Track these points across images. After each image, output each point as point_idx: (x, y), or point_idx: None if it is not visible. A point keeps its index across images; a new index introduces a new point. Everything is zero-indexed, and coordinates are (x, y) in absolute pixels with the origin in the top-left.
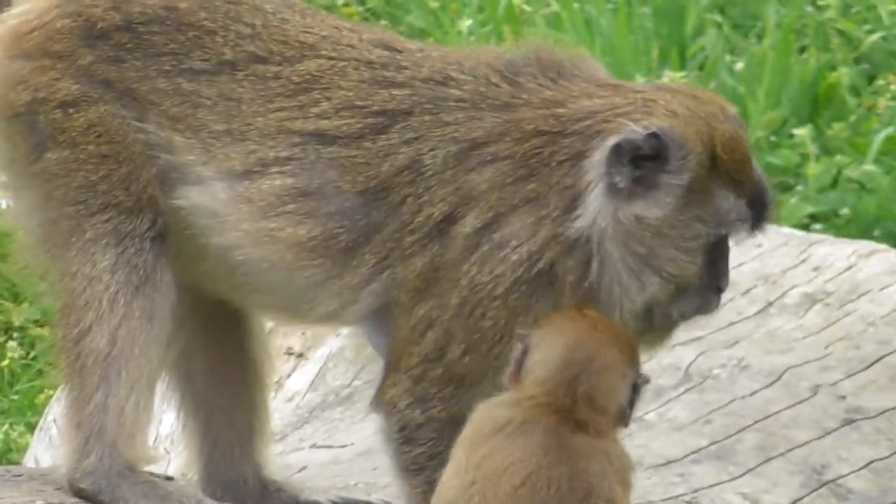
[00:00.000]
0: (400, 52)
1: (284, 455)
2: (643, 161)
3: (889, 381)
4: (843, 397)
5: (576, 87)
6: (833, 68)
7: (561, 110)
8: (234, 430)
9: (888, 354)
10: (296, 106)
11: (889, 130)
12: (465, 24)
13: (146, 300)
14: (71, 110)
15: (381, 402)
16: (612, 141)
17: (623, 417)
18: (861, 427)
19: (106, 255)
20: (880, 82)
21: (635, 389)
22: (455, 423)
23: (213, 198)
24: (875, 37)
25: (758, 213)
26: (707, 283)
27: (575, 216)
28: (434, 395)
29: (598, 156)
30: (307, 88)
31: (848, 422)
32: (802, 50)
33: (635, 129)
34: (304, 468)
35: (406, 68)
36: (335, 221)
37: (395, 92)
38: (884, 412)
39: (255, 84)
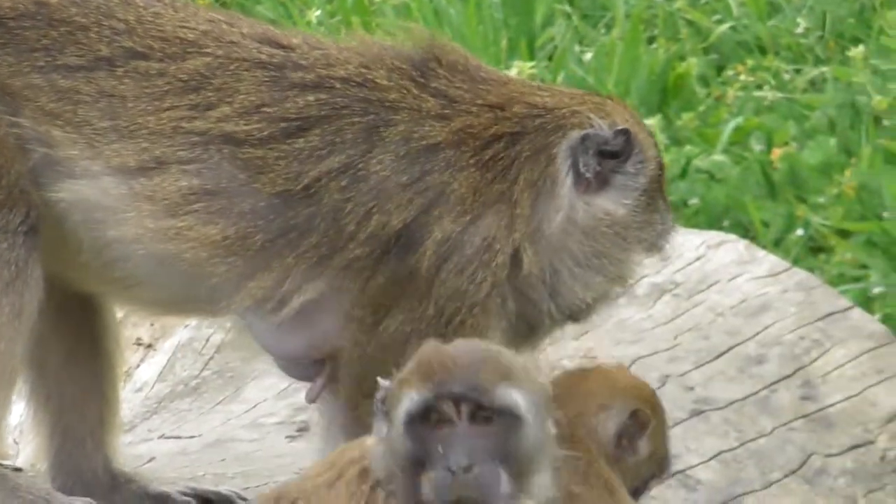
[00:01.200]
0: (288, 48)
1: (133, 446)
2: (606, 157)
3: (737, 372)
4: (692, 388)
5: (502, 88)
6: (682, 59)
7: (508, 112)
8: (85, 421)
9: (737, 345)
10: (188, 105)
11: (738, 121)
12: (314, 14)
13: (16, 296)
14: None
15: (346, 411)
16: (580, 131)
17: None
18: (709, 418)
19: None
20: (729, 73)
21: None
22: None
23: (105, 192)
24: (724, 27)
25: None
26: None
27: (543, 209)
28: None
29: (566, 144)
30: (197, 87)
31: (696, 412)
32: (652, 40)
33: (602, 125)
34: (152, 459)
35: (309, 68)
36: (248, 221)
37: (309, 96)
38: (732, 403)
39: (139, 81)
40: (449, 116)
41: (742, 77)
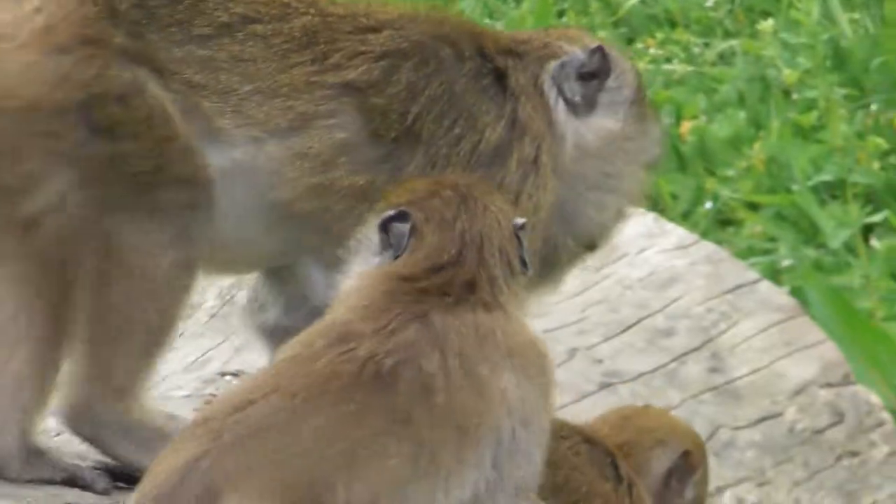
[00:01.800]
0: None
1: (42, 418)
2: (587, 79)
3: (646, 345)
4: (600, 361)
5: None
6: (592, 32)
7: (519, 48)
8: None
9: (645, 318)
10: (310, 60)
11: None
12: None
13: (183, 250)
14: (130, 101)
15: None
16: (556, 60)
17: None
18: (618, 390)
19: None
20: (639, 45)
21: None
22: None
23: (268, 156)
24: (633, 1)
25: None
26: None
27: (556, 132)
28: None
29: (547, 76)
30: (311, 42)
31: (605, 385)
32: (561, 14)
33: (575, 49)
34: (59, 434)
35: (385, 20)
36: (379, 167)
37: (391, 33)
38: (640, 375)
39: (260, 43)
40: (487, 56)
41: (651, 50)
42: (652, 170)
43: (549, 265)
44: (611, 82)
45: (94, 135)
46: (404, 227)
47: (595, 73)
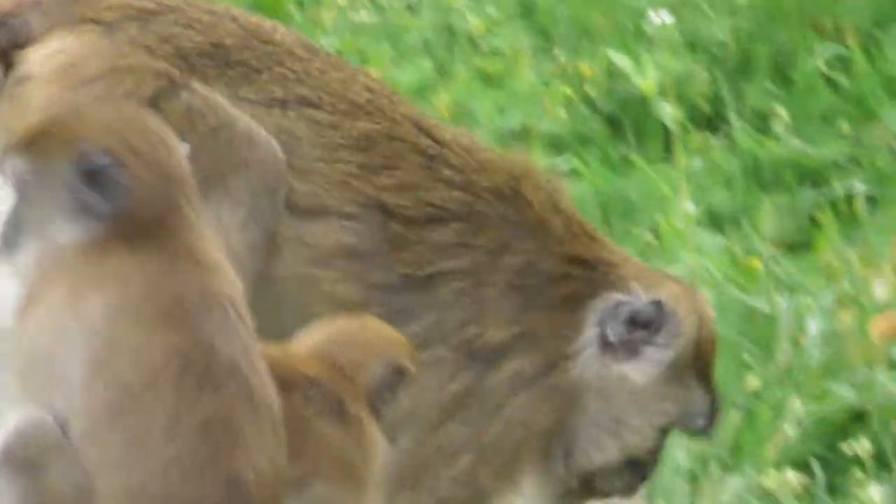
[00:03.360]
0: (442, 143)
1: None
2: (637, 326)
3: None
4: None
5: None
6: None
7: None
8: None
9: None
10: (357, 164)
11: (334, 42)
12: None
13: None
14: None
15: None
16: (616, 296)
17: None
18: None
19: None
20: None
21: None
22: None
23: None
24: None
25: (714, 418)
26: (643, 466)
27: (571, 363)
28: None
29: (600, 306)
30: (367, 149)
31: None
32: None
33: (639, 292)
34: None
35: (459, 169)
36: (374, 292)
37: (455, 192)
38: None
39: (312, 127)
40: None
41: (340, 1)
42: (688, 434)
43: (545, 489)
44: (659, 338)
45: None
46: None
47: (646, 324)
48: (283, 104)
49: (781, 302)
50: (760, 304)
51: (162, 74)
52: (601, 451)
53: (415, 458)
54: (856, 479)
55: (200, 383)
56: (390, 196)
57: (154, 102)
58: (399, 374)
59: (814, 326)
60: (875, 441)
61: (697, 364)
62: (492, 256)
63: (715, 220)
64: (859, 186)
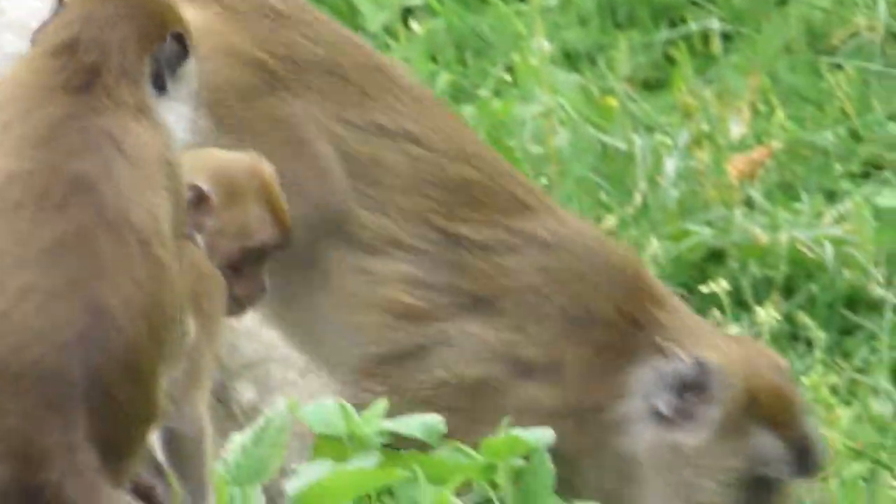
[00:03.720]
0: (538, 195)
1: None
2: (687, 390)
3: None
4: None
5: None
6: None
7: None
8: None
9: None
10: (441, 202)
11: None
12: None
13: None
14: None
15: None
16: (657, 363)
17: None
18: None
19: None
20: None
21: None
22: None
23: (339, 260)
24: None
25: (803, 460)
26: None
27: (614, 432)
28: None
29: (643, 375)
30: (457, 191)
31: None
32: None
33: (680, 355)
34: None
35: (549, 213)
36: (439, 306)
37: (539, 226)
38: None
39: (407, 161)
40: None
41: None
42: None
43: None
44: (706, 397)
45: None
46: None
47: (693, 385)
48: (385, 133)
49: (638, 140)
50: (617, 143)
51: (264, 72)
52: None
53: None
54: (714, 319)
55: (42, 203)
56: (469, 230)
57: (244, 95)
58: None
59: (670, 165)
60: (733, 281)
61: (756, 412)
62: (561, 283)
63: (570, 58)
64: (715, 24)
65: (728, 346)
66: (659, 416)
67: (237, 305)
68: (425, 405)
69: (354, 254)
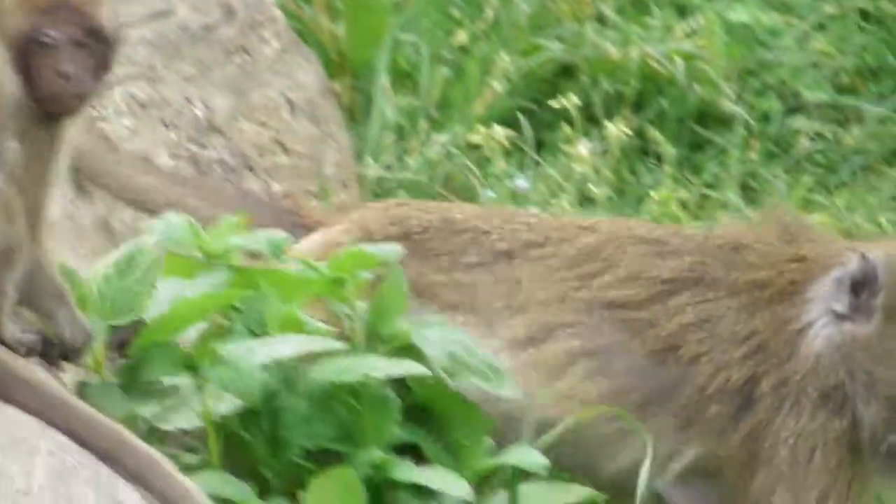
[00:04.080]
0: (658, 228)
1: None
2: (859, 288)
3: None
4: None
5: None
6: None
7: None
8: None
9: None
10: (575, 277)
11: None
12: None
13: None
14: None
15: None
16: (834, 274)
17: None
18: None
19: None
20: None
21: None
22: None
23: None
24: None
25: None
26: None
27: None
28: None
29: (819, 289)
30: (584, 263)
31: None
32: None
33: (850, 258)
34: None
35: (688, 239)
36: (625, 378)
37: (686, 257)
38: None
39: (533, 264)
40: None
41: None
42: None
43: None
44: (876, 287)
45: None
46: None
47: (864, 282)
48: (508, 255)
49: None
50: None
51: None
52: (877, 415)
53: None
54: (564, 134)
55: None
56: (614, 292)
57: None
58: None
59: None
60: (584, 96)
61: None
62: (726, 297)
63: None
64: None
65: (888, 245)
66: (839, 317)
67: (51, 106)
68: None
69: (515, 354)
